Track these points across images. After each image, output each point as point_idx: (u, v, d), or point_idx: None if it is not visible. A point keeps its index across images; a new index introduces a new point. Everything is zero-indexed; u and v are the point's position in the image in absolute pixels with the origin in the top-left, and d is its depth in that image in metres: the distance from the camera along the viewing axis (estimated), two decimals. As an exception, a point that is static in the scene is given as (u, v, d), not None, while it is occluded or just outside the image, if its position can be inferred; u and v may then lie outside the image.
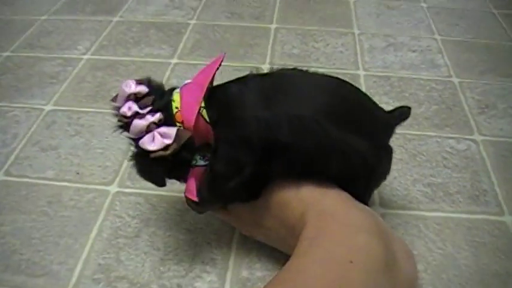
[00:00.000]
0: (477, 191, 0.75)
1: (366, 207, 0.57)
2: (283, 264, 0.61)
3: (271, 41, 1.08)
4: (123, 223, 0.68)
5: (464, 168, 0.78)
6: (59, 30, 1.10)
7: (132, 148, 0.55)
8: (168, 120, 0.54)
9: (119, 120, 0.56)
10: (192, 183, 0.56)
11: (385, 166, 0.60)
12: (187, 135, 0.53)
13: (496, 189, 0.75)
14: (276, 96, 0.54)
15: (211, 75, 0.56)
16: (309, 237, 0.51)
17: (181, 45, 1.05)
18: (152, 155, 0.52)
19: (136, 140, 0.53)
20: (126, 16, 1.16)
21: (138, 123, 0.52)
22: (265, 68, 0.98)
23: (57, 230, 0.67)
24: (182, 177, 0.59)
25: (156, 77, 0.93)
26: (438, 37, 1.11)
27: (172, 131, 0.52)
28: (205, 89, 0.54)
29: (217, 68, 0.57)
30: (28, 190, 0.73)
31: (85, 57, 1.01)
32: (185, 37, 1.08)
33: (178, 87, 0.57)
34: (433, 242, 0.67)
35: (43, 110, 0.87)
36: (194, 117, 0.53)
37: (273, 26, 1.14)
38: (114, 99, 0.57)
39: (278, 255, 0.63)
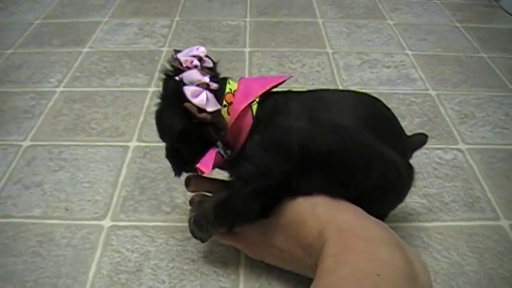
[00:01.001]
0: (471, 198, 0.76)
1: (378, 220, 0.57)
2: (295, 286, 0.61)
3: (247, 64, 1.08)
4: (122, 258, 0.65)
5: (455, 177, 0.79)
6: (28, 64, 1.06)
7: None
8: (218, 96, 0.52)
9: (172, 66, 0.54)
10: (210, 156, 0.53)
11: (411, 183, 0.60)
12: (223, 122, 0.52)
13: (489, 195, 0.76)
14: (318, 108, 0.55)
15: (276, 83, 0.56)
16: (332, 254, 0.50)
17: (156, 73, 1.03)
18: (185, 105, 0.50)
19: (182, 84, 0.51)
20: (96, 46, 1.13)
21: (197, 73, 0.51)
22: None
23: (53, 271, 0.63)
24: (192, 160, 0.56)
25: (135, 106, 0.93)
26: (409, 52, 1.14)
27: (217, 105, 0.51)
28: (266, 89, 0.54)
29: (281, 83, 0.56)
30: (15, 231, 0.69)
31: (58, 89, 0.97)
32: (159, 65, 1.06)
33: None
34: (438, 252, 0.67)
35: (21, 146, 0.83)
36: (246, 104, 0.53)
37: (247, 49, 1.14)
38: (176, 51, 0.55)
39: (289, 277, 0.62)
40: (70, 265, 0.64)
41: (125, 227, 0.69)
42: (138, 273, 0.63)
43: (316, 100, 0.56)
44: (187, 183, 0.63)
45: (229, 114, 0.53)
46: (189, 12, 1.31)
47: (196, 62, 0.53)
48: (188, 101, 0.50)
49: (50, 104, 0.93)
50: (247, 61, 1.09)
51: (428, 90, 1.01)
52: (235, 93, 0.54)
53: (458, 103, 0.97)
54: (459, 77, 1.05)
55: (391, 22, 1.28)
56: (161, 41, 1.16)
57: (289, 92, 0.57)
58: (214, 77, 0.54)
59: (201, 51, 0.54)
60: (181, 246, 0.67)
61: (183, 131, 0.52)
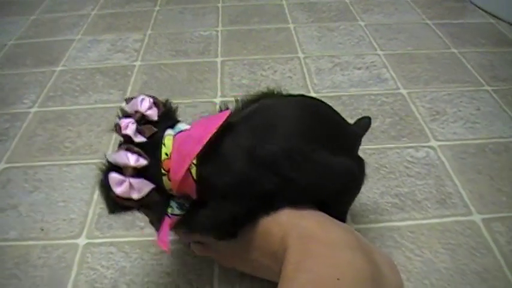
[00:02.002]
0: (443, 195, 0.77)
1: (343, 224, 0.58)
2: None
3: (219, 74, 1.08)
4: (98, 275, 0.65)
5: (427, 175, 0.80)
6: (1, 86, 1.06)
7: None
8: (154, 165, 0.52)
9: (115, 126, 0.54)
10: (165, 233, 0.53)
11: (364, 177, 0.61)
12: (156, 197, 0.51)
13: (461, 191, 0.77)
14: (261, 137, 0.53)
15: (212, 132, 0.53)
16: (293, 261, 0.50)
17: (129, 88, 1.04)
18: (110, 194, 0.50)
19: (107, 171, 0.51)
20: (69, 65, 1.13)
21: (122, 156, 0.51)
22: (218, 102, 0.98)
23: (29, 292, 0.64)
24: (154, 221, 0.57)
25: (108, 123, 0.94)
26: (380, 52, 1.15)
27: (146, 187, 0.51)
28: (201, 147, 0.52)
29: (221, 126, 0.54)
30: (-9, 254, 0.69)
31: (32, 110, 0.98)
32: (132, 79, 1.07)
33: (171, 129, 0.55)
34: (411, 251, 0.68)
35: (-4, 169, 0.84)
36: (183, 172, 0.52)
37: (219, 59, 1.14)
38: (128, 100, 0.56)
39: (262, 284, 0.62)
40: (46, 285, 0.64)
41: (100, 244, 0.70)
42: (114, 289, 0.63)
43: (260, 125, 0.55)
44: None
45: (170, 181, 0.53)
46: (162, 25, 1.31)
47: (131, 128, 0.52)
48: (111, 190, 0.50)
49: (24, 125, 0.94)
50: (219, 71, 1.09)
51: (399, 89, 1.02)
52: (171, 159, 0.53)
53: (429, 100, 0.98)
54: (430, 74, 1.07)
55: (362, 23, 1.29)
56: (134, 56, 1.16)
57: (234, 122, 0.55)
58: (154, 135, 0.53)
59: (144, 105, 0.53)
60: (156, 260, 0.67)
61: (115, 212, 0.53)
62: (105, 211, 0.71)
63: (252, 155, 0.52)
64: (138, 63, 1.13)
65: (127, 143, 0.52)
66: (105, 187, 0.51)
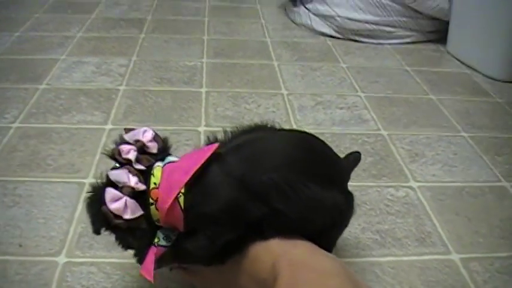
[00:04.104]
0: (422, 233, 0.78)
1: (332, 255, 0.58)
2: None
3: (203, 104, 1.09)
4: (77, 295, 0.64)
5: (407, 214, 0.82)
6: (-18, 100, 1.05)
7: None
8: (142, 193, 0.52)
9: (113, 150, 0.54)
10: (150, 262, 0.53)
11: (352, 211, 0.62)
12: (144, 224, 0.52)
13: (439, 231, 0.79)
14: (257, 165, 0.54)
15: (200, 163, 0.53)
16: (284, 287, 0.51)
17: (113, 111, 1.03)
18: (102, 208, 0.50)
19: (104, 186, 0.52)
20: (52, 83, 1.13)
21: (124, 175, 0.52)
22: (201, 131, 0.98)
23: (5, 309, 0.62)
24: (137, 252, 0.57)
25: (91, 143, 0.93)
26: (362, 94, 1.18)
27: (138, 211, 0.51)
28: (189, 176, 0.52)
29: (208, 159, 0.54)
30: (-35, 269, 0.67)
31: (14, 125, 0.96)
32: (116, 103, 1.06)
33: (161, 161, 0.55)
34: (392, 286, 0.69)
35: (-27, 182, 0.82)
36: (171, 201, 0.52)
37: (204, 89, 1.15)
38: (127, 130, 0.56)
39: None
40: (22, 303, 0.62)
41: (81, 264, 0.68)
42: (94, 310, 0.62)
43: (250, 156, 0.55)
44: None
45: (157, 210, 0.53)
46: (147, 52, 1.32)
47: (132, 154, 0.53)
48: (105, 205, 0.51)
49: (5, 139, 0.92)
50: (203, 101, 1.10)
51: (380, 130, 1.04)
52: (159, 188, 0.53)
53: (409, 142, 1.01)
54: (409, 118, 1.10)
55: (344, 65, 1.33)
56: (118, 80, 1.16)
57: (217, 155, 0.55)
58: (142, 174, 0.53)
59: (147, 136, 0.55)
60: (137, 283, 0.66)
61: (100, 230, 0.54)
62: (87, 230, 0.70)
63: (242, 183, 0.53)
64: (122, 87, 1.13)
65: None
66: (96, 202, 0.52)
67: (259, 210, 0.53)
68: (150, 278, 0.52)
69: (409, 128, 1.07)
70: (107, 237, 0.71)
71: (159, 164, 0.55)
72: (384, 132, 1.04)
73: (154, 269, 0.52)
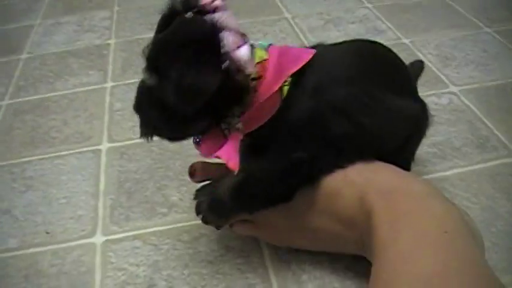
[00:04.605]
0: (480, 139, 0.71)
1: (414, 174, 0.52)
2: (330, 267, 0.54)
3: (203, 44, 0.99)
4: (128, 275, 0.55)
5: (458, 121, 0.75)
6: (-42, 83, 0.93)
7: None
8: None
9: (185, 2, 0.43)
10: (232, 149, 0.45)
11: (429, 121, 0.56)
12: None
13: (496, 133, 0.72)
14: (330, 78, 0.48)
15: (306, 59, 0.47)
16: (386, 221, 0.43)
17: (110, 67, 0.93)
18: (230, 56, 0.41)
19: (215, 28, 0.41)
20: (34, 51, 1.01)
21: (233, 18, 0.42)
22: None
23: (50, 306, 0.54)
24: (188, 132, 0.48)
25: (96, 106, 0.83)
26: (369, 5, 1.09)
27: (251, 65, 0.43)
28: (298, 67, 0.46)
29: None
30: (-7, 269, 0.58)
31: (4, 103, 0.85)
32: (111, 58, 0.96)
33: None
34: (467, 199, 0.62)
35: (-26, 172, 0.72)
36: (280, 84, 0.45)
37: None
38: None
39: (320, 258, 0.55)
40: (68, 295, 0.54)
41: (121, 240, 0.60)
42: (152, 288, 0.54)
43: (322, 72, 0.48)
44: (193, 173, 0.54)
45: (255, 91, 0.44)
46: (128, 0, 1.20)
47: (219, 1, 0.42)
48: (226, 53, 0.41)
49: (-2, 120, 0.82)
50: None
51: (401, 39, 0.96)
52: (267, 65, 0.45)
53: (435, 47, 0.93)
54: (427, 22, 1.01)
55: (342, -22, 1.22)
56: (105, 34, 1.05)
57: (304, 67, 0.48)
58: None
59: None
60: (192, 248, 0.58)
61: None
62: (119, 200, 0.62)
63: (320, 98, 0.46)
64: (112, 41, 1.02)
65: None
66: (212, 45, 0.41)
67: (341, 126, 0.46)
68: (234, 165, 0.44)
69: (430, 32, 0.98)
70: (143, 204, 0.64)
71: (262, 43, 0.47)
72: (406, 40, 0.95)
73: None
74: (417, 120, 0.53)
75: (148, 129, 0.47)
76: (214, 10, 0.42)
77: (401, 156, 0.54)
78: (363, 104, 0.47)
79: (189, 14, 0.42)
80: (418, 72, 0.64)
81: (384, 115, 0.48)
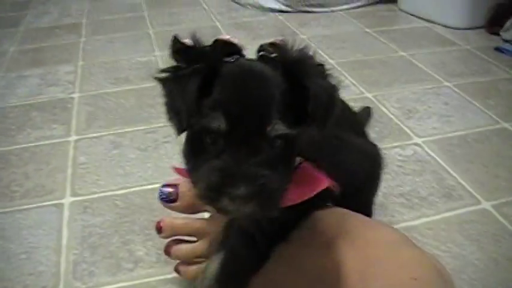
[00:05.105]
0: (446, 188, 0.72)
1: (381, 221, 0.52)
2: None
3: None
4: (91, 333, 0.53)
5: (423, 171, 0.76)
6: None
7: None
8: None
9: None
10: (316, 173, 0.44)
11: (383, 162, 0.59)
12: None
13: (461, 182, 0.74)
14: None
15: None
16: (357, 270, 0.43)
17: (73, 121, 0.91)
18: None
19: None
20: (-5, 104, 0.99)
21: None
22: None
23: None
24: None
25: (58, 159, 0.81)
26: (332, 61, 1.12)
27: None
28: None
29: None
30: None
31: (-38, 157, 0.83)
32: (74, 112, 0.94)
33: None
34: (436, 247, 0.62)
35: None
36: None
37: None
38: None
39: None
40: None
41: (84, 296, 0.57)
42: None
43: None
44: (160, 228, 0.53)
45: None
46: (92, 55, 1.21)
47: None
48: None
49: (-44, 174, 0.78)
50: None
51: (364, 93, 0.98)
52: None
53: (397, 100, 0.95)
54: (389, 77, 1.05)
55: (303, 36, 1.26)
56: (69, 88, 1.04)
57: None
58: None
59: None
60: (159, 303, 0.56)
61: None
62: (82, 255, 0.60)
63: None
64: (76, 95, 1.01)
65: None
66: None
67: None
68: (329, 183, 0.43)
69: (392, 86, 1.01)
70: (107, 259, 0.62)
71: None
72: (369, 95, 0.98)
73: None
74: (378, 158, 0.55)
75: None
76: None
77: (362, 201, 0.54)
78: (331, 145, 0.47)
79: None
80: (367, 117, 0.66)
81: (348, 152, 0.49)
